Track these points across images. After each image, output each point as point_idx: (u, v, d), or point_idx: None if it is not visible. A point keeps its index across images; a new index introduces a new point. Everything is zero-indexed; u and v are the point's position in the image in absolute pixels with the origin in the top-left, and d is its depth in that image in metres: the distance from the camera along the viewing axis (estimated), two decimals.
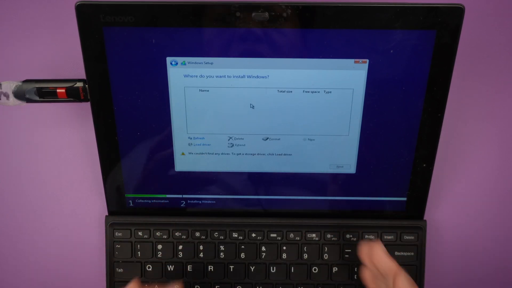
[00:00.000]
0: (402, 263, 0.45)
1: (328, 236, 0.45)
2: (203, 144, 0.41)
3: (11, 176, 0.47)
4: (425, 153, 0.41)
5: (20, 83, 0.40)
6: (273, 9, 0.35)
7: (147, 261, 0.45)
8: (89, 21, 0.35)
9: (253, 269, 0.45)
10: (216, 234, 0.45)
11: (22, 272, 0.48)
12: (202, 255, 0.45)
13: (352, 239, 0.45)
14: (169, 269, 0.45)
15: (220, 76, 0.38)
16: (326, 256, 0.45)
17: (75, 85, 0.40)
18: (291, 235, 0.45)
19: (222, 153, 0.42)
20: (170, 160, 0.42)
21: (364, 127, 0.40)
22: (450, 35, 0.36)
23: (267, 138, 0.41)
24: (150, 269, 0.45)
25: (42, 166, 0.47)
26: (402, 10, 0.35)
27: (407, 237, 0.45)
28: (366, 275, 0.37)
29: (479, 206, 0.48)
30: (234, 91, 0.39)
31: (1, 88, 0.40)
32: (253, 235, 0.45)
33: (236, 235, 0.45)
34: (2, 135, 0.47)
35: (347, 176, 0.43)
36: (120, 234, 0.45)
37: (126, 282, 0.44)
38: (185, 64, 0.38)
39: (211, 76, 0.38)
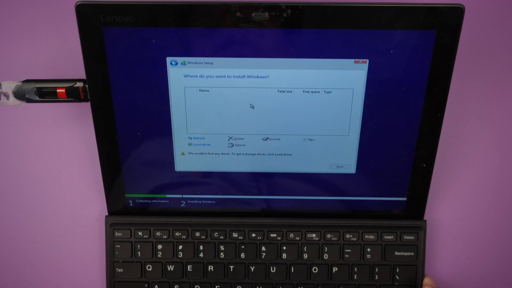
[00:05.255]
0: (402, 263, 0.45)
1: (328, 236, 0.45)
2: (203, 144, 0.41)
3: (11, 176, 0.47)
4: (425, 153, 0.41)
5: (20, 83, 0.40)
6: (273, 9, 0.35)
7: (147, 261, 0.45)
8: (89, 21, 0.35)
9: (253, 269, 0.45)
10: (216, 234, 0.45)
11: (22, 272, 0.48)
12: (202, 255, 0.45)
13: (352, 239, 0.45)
14: (169, 269, 0.45)
15: (220, 76, 0.38)
16: (326, 256, 0.45)
17: (75, 85, 0.40)
18: (291, 235, 0.45)
19: (222, 153, 0.42)
20: (170, 160, 0.42)
21: (364, 127, 0.40)
22: (450, 35, 0.36)
23: (267, 138, 0.41)
24: (150, 269, 0.45)
25: (42, 166, 0.47)
26: (402, 10, 0.35)
27: (407, 237, 0.45)
28: None
29: (479, 206, 0.48)
30: (234, 91, 0.39)
31: (1, 88, 0.40)
32: (253, 235, 0.45)
33: (236, 235, 0.45)
34: (2, 135, 0.47)
35: (347, 176, 0.43)
36: (120, 234, 0.45)
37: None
38: (185, 64, 0.38)
39: (211, 76, 0.38)
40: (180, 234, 0.45)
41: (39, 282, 0.48)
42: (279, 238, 0.45)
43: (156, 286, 0.45)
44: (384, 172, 0.43)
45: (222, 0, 0.35)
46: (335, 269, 0.45)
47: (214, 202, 0.44)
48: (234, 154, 0.42)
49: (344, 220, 0.45)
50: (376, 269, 0.45)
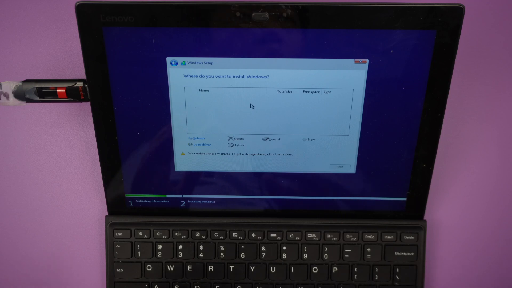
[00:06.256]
0: (402, 263, 0.45)
1: (328, 236, 0.45)
2: (203, 144, 0.41)
3: (11, 176, 0.47)
4: (425, 153, 0.41)
5: (20, 83, 0.40)
6: (273, 9, 0.35)
7: (147, 261, 0.45)
8: (89, 21, 0.35)
9: (253, 269, 0.45)
10: (216, 234, 0.45)
11: (22, 271, 0.48)
12: (202, 255, 0.45)
13: (352, 239, 0.45)
14: (169, 269, 0.45)
15: (220, 76, 0.38)
16: (326, 256, 0.45)
17: (75, 85, 0.40)
18: (291, 235, 0.45)
19: (222, 153, 0.42)
20: (170, 160, 0.42)
21: (364, 127, 0.40)
22: (450, 35, 0.36)
23: (267, 138, 0.41)
24: (150, 269, 0.45)
25: (42, 166, 0.47)
26: (402, 10, 0.35)
27: (407, 237, 0.45)
28: None
29: (479, 206, 0.48)
30: (234, 91, 0.39)
31: (1, 88, 0.40)
32: (253, 235, 0.45)
33: (236, 235, 0.45)
34: (2, 135, 0.47)
35: (347, 176, 0.43)
36: (120, 234, 0.45)
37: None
38: (185, 64, 0.38)
39: (211, 76, 0.38)
40: (180, 234, 0.45)
41: (39, 282, 0.48)
42: (279, 238, 0.45)
43: (156, 286, 0.45)
44: (384, 172, 0.43)
45: (222, 0, 0.35)
46: (335, 269, 0.45)
47: (214, 202, 0.44)
48: (234, 154, 0.42)
49: (344, 220, 0.45)
50: (376, 269, 0.45)
